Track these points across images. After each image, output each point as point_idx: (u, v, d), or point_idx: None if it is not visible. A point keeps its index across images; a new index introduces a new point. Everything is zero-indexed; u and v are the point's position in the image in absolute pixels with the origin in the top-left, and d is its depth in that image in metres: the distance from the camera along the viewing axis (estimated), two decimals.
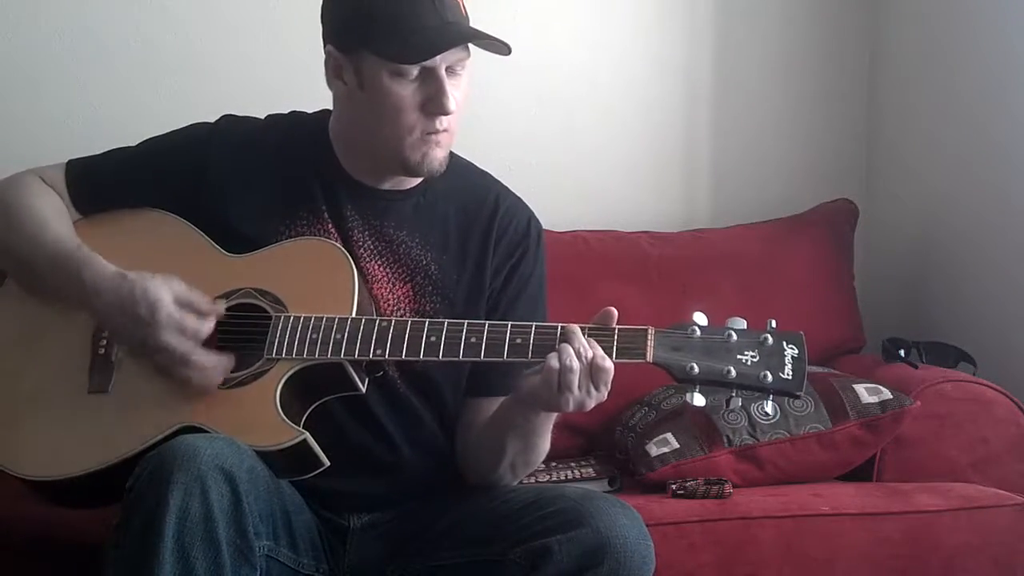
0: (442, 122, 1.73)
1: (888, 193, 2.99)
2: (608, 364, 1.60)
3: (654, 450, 2.27)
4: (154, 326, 1.67)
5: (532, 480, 2.14)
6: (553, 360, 1.60)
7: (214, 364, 1.68)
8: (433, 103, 1.72)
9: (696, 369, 1.60)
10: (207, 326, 1.70)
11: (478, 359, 1.66)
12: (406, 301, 1.82)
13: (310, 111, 1.91)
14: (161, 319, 1.67)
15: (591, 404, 1.62)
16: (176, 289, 1.70)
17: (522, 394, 1.68)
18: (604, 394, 1.62)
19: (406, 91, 1.71)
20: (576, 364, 1.59)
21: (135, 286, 1.69)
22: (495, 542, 1.67)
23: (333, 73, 1.78)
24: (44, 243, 1.78)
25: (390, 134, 1.74)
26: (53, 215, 1.82)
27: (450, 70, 1.72)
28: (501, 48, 1.72)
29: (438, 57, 1.70)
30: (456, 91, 1.73)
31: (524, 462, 1.80)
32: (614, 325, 1.64)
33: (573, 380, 1.59)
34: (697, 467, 2.23)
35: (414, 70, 1.70)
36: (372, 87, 1.73)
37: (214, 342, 1.72)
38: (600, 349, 1.61)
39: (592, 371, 1.60)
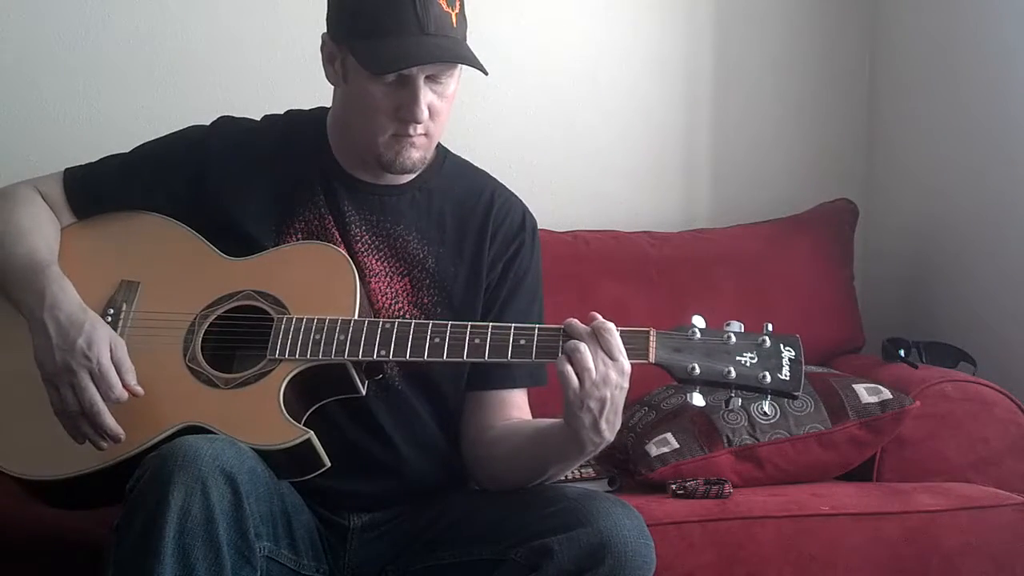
0: (415, 128, 1.73)
1: (888, 193, 2.99)
2: (613, 326, 1.59)
3: (654, 450, 2.26)
4: (80, 361, 1.65)
5: None
6: (563, 364, 1.58)
7: (110, 427, 1.66)
8: (404, 110, 1.72)
9: (697, 370, 1.61)
10: (121, 393, 1.66)
11: (482, 360, 1.66)
12: (404, 295, 1.82)
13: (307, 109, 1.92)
14: (91, 357, 1.65)
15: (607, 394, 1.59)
16: (118, 350, 1.68)
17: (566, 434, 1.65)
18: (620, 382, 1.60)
19: (380, 93, 1.72)
20: (591, 357, 1.57)
21: (87, 321, 1.68)
22: (495, 542, 1.68)
23: (327, 59, 1.79)
24: (16, 254, 1.77)
25: (365, 130, 1.75)
26: (34, 228, 1.82)
27: (432, 78, 1.72)
28: (480, 69, 1.70)
29: (414, 68, 1.69)
30: (437, 99, 1.73)
31: (557, 474, 1.77)
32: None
33: (590, 366, 1.57)
34: (697, 467, 2.22)
35: (390, 75, 1.70)
36: (352, 82, 1.75)
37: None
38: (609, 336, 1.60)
39: (601, 341, 1.58)
